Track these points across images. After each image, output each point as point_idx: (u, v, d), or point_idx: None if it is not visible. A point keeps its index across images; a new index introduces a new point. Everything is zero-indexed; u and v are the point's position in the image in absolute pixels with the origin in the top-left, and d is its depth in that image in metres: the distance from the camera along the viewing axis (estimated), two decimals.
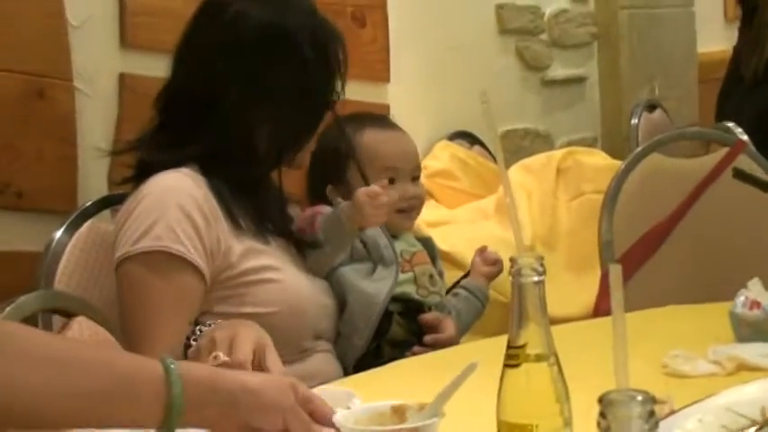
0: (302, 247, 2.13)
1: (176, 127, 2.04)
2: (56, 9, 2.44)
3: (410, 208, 2.30)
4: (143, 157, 2.04)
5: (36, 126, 2.39)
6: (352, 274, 2.18)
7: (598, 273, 2.68)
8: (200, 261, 1.90)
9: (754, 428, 1.23)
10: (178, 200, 1.91)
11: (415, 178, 2.33)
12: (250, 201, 2.04)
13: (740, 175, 2.09)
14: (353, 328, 2.13)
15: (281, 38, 2.03)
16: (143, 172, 2.00)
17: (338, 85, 2.11)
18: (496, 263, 2.40)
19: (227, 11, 2.05)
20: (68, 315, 1.64)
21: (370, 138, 2.29)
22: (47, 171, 2.38)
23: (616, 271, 0.76)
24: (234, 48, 2.03)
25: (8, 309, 1.48)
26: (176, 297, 1.87)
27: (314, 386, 1.65)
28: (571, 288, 2.96)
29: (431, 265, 2.30)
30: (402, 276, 2.21)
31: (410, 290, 2.22)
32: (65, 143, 2.39)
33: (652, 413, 0.76)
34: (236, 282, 1.95)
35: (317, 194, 2.31)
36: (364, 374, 1.80)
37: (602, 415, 0.76)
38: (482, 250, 2.43)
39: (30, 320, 1.71)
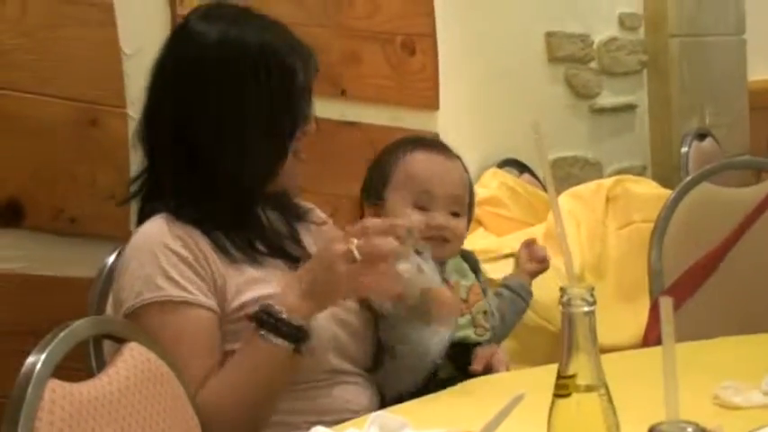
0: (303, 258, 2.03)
1: (157, 169, 2.03)
2: (110, 38, 2.47)
3: (439, 238, 2.12)
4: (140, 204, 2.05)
5: (90, 153, 2.42)
6: (403, 321, 2.03)
7: (647, 302, 2.67)
8: (203, 299, 1.88)
9: None
10: (165, 243, 1.90)
11: (456, 213, 2.15)
12: (233, 228, 1.97)
13: None
14: (398, 379, 2.03)
15: (240, 57, 1.97)
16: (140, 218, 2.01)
17: (305, 106, 2.02)
18: (543, 261, 2.33)
19: (186, 30, 2.03)
20: (120, 341, 1.65)
21: (413, 158, 2.16)
22: (100, 197, 2.41)
23: (667, 303, 0.76)
24: (193, 71, 1.99)
25: (62, 334, 1.49)
26: (191, 336, 1.85)
27: (343, 419, 1.69)
28: (620, 317, 2.95)
29: (483, 298, 2.18)
30: (460, 320, 2.09)
31: (468, 333, 2.11)
32: (118, 170, 2.41)
33: None
34: (239, 315, 1.90)
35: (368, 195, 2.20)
36: (412, 403, 1.80)
37: None
38: (529, 243, 2.37)
39: (82, 346, 1.74)
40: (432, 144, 2.26)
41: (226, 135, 1.96)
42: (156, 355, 1.66)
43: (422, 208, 2.12)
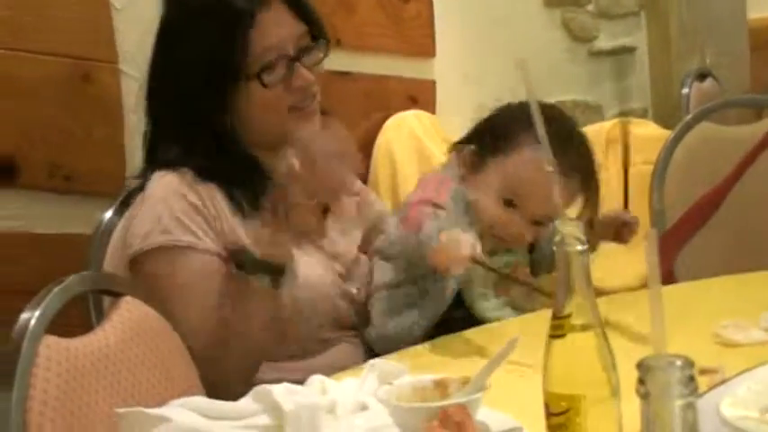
0: (312, 229, 2.03)
1: (158, 125, 2.01)
2: None
3: (505, 240, 2.04)
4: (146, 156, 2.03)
5: (83, 109, 2.41)
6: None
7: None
8: (212, 245, 1.87)
9: None
10: (176, 190, 1.89)
11: (537, 222, 2.04)
12: (240, 183, 1.95)
13: None
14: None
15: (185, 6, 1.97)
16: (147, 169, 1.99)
17: (250, 47, 1.91)
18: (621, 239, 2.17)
19: None
20: (117, 296, 1.65)
21: (524, 159, 2.01)
22: (95, 154, 2.40)
23: (652, 236, 0.75)
24: (164, 24, 1.99)
25: (56, 290, 1.49)
26: (196, 282, 1.85)
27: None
28: (623, 259, 2.92)
29: (532, 278, 2.07)
30: (493, 302, 2.03)
31: (503, 314, 2.01)
32: (112, 126, 2.41)
33: (692, 378, 0.74)
34: None
35: (465, 140, 2.12)
36: (409, 350, 1.79)
37: (641, 381, 0.75)
38: (628, 222, 2.17)
39: (80, 301, 1.73)
40: (559, 149, 1.99)
41: (180, 85, 1.95)
42: (153, 308, 1.66)
43: (509, 203, 2.03)
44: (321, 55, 2.00)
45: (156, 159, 1.98)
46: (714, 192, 2.64)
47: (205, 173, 1.92)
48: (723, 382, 1.42)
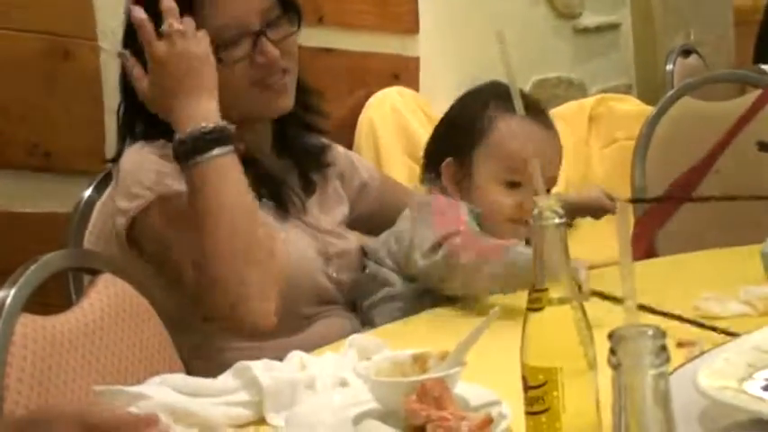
0: (295, 205, 2.00)
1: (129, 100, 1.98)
2: None
3: (523, 220, 1.92)
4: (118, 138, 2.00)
5: (62, 87, 2.40)
6: None
7: (633, 219, 2.66)
8: None
9: None
10: (155, 153, 1.87)
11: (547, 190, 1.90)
12: None
13: (766, 147, 2.04)
14: None
15: None
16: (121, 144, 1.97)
17: (206, 23, 1.85)
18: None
19: None
20: (96, 273, 1.64)
21: (512, 126, 1.96)
22: (74, 131, 2.39)
23: (623, 208, 0.74)
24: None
25: (33, 267, 1.48)
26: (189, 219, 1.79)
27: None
28: (606, 234, 2.93)
29: None
30: None
31: None
32: (91, 103, 2.40)
33: (663, 348, 0.74)
34: None
35: (433, 161, 2.06)
36: (389, 326, 1.79)
37: (613, 351, 0.75)
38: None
39: (59, 278, 1.72)
40: (537, 112, 2.01)
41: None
42: (132, 285, 1.65)
43: (511, 185, 1.97)
44: (293, 28, 1.95)
45: (128, 134, 1.96)
46: (696, 167, 2.64)
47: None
48: (701, 354, 1.43)
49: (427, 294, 1.91)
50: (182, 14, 1.82)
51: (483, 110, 2.00)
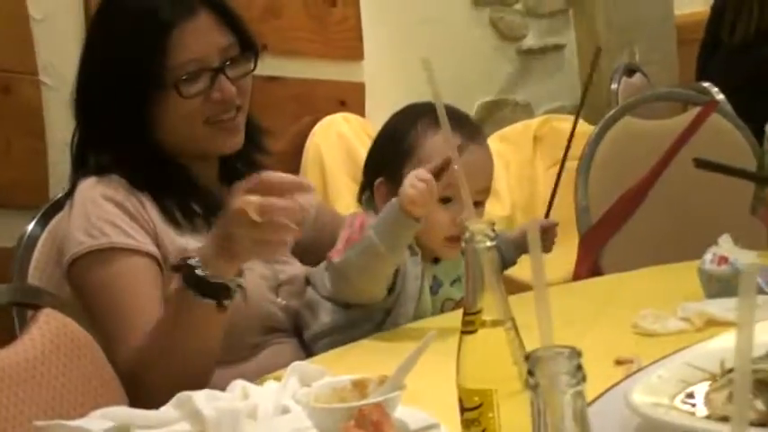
0: None
1: (85, 132, 1.99)
2: (17, 2, 2.43)
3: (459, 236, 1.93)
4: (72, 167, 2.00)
5: (3, 121, 2.39)
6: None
7: (576, 239, 2.69)
8: (150, 247, 1.85)
9: (709, 382, 1.23)
10: (106, 194, 1.87)
11: (478, 203, 1.98)
12: (169, 194, 1.93)
13: (702, 164, 2.07)
14: None
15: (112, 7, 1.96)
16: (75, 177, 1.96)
17: (169, 57, 1.87)
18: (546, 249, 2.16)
19: None
20: (38, 308, 1.64)
21: (438, 141, 1.94)
22: (17, 166, 2.38)
23: (533, 227, 0.76)
24: (91, 29, 1.98)
25: None
26: (137, 282, 1.82)
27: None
28: (552, 254, 2.96)
29: None
30: None
31: None
32: (33, 137, 2.39)
33: (579, 367, 0.76)
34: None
35: (368, 180, 2.05)
36: (329, 354, 1.79)
37: (530, 372, 0.76)
38: (547, 229, 2.18)
39: (3, 312, 1.72)
40: (461, 124, 1.98)
41: (103, 91, 1.93)
42: (74, 320, 1.65)
43: (444, 200, 1.94)
44: (250, 66, 1.97)
45: (83, 166, 1.96)
46: (638, 185, 2.67)
47: (135, 181, 1.91)
48: (638, 370, 1.44)
49: (363, 322, 1.92)
50: (147, 42, 1.86)
51: (411, 127, 1.99)
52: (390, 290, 1.92)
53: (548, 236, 2.18)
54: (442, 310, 2.00)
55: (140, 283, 1.83)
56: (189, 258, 1.68)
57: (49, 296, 1.68)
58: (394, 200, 1.84)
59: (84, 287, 1.84)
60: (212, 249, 1.68)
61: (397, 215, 1.83)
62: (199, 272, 1.67)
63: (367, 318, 1.93)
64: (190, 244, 1.88)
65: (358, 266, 1.88)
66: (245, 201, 1.60)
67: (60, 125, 2.48)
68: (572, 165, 2.91)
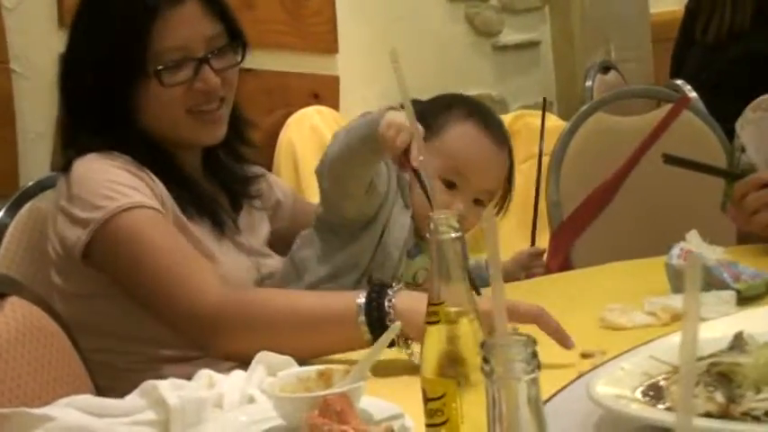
0: (229, 226, 2.00)
1: (73, 114, 1.97)
2: None
3: None
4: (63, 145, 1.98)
5: None
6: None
7: (548, 233, 2.70)
8: (167, 215, 1.84)
9: (665, 375, 1.24)
10: (119, 165, 1.85)
11: (477, 201, 2.03)
12: (162, 179, 1.91)
13: (670, 159, 2.09)
14: None
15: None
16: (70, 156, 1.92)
17: (153, 44, 1.87)
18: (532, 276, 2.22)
19: None
20: (3, 296, 1.63)
21: (465, 131, 2.01)
22: None
23: (489, 217, 0.76)
24: (78, 13, 1.95)
25: None
26: (174, 232, 1.80)
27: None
28: (523, 249, 2.97)
29: None
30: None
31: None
32: (3, 126, 2.38)
33: (534, 355, 0.76)
34: None
35: None
36: None
37: (485, 360, 0.76)
38: (534, 256, 2.26)
39: None
40: (489, 122, 2.07)
41: (88, 76, 1.92)
42: (41, 308, 1.64)
43: (449, 183, 2.00)
44: (236, 58, 1.97)
45: (74, 146, 1.93)
46: (609, 181, 2.68)
47: (137, 159, 1.89)
48: (603, 363, 1.45)
49: (350, 269, 1.95)
50: (131, 28, 1.85)
51: (444, 110, 2.03)
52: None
53: (536, 263, 2.24)
54: (414, 279, 2.01)
55: (181, 238, 1.81)
56: (386, 290, 1.62)
57: (17, 284, 1.67)
58: (376, 115, 1.83)
59: (120, 245, 1.79)
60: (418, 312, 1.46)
61: (375, 123, 1.80)
62: (388, 308, 1.61)
63: (353, 264, 1.95)
64: (194, 230, 1.89)
65: (332, 159, 1.89)
66: None
67: (31, 114, 2.48)
68: (546, 159, 2.91)
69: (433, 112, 2.04)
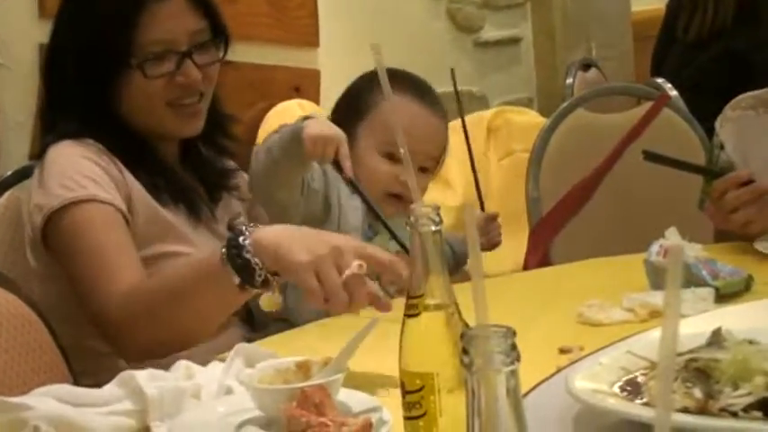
0: (205, 213, 2.01)
1: (55, 102, 1.98)
2: None
3: (400, 195, 2.02)
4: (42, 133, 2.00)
5: None
6: None
7: (527, 230, 2.71)
8: (123, 208, 1.85)
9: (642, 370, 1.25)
10: (86, 155, 1.87)
11: (424, 169, 2.09)
12: (138, 167, 1.93)
13: (650, 156, 2.10)
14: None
15: None
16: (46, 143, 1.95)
17: (138, 36, 1.89)
18: (494, 243, 2.23)
19: None
20: None
21: (396, 102, 1.88)
22: None
23: (469, 210, 0.76)
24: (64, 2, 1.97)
25: None
26: (116, 232, 1.82)
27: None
28: (502, 245, 2.97)
29: None
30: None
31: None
32: None
33: (513, 347, 0.76)
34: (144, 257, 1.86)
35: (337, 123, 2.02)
36: (275, 337, 1.79)
37: (465, 351, 0.77)
38: (489, 220, 2.25)
39: None
40: (420, 90, 2.13)
41: (72, 65, 1.93)
42: (18, 296, 1.64)
43: (391, 157, 2.04)
44: (219, 54, 1.98)
45: (51, 132, 1.95)
46: (589, 178, 2.68)
47: (109, 147, 1.91)
48: (582, 358, 1.46)
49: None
50: (115, 19, 1.87)
51: (370, 88, 2.06)
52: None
53: (492, 227, 2.23)
54: None
55: (120, 231, 1.82)
56: (243, 228, 1.63)
57: None
58: (302, 124, 1.88)
59: (64, 236, 1.83)
60: (275, 242, 1.59)
61: (296, 138, 1.86)
62: (246, 246, 1.60)
63: None
64: (167, 216, 1.91)
65: (259, 178, 1.96)
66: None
67: (11, 104, 2.47)
68: (525, 156, 2.92)
69: (366, 89, 2.09)
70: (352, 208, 2.04)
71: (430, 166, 2.12)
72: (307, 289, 1.55)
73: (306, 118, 1.93)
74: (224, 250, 1.60)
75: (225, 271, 1.60)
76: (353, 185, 1.86)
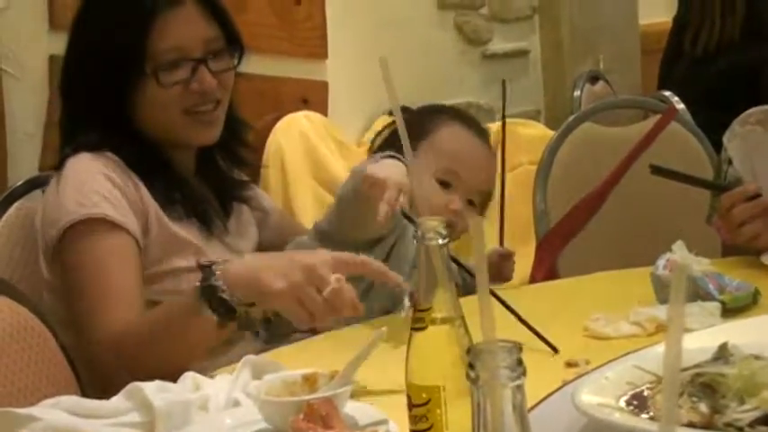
0: (218, 225, 2.02)
1: (73, 111, 2.00)
2: None
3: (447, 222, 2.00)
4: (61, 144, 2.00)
5: None
6: None
7: (534, 243, 2.70)
8: (136, 231, 1.86)
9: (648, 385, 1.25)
10: (104, 172, 1.88)
11: (470, 202, 2.13)
12: (153, 178, 1.94)
13: (657, 170, 2.10)
14: None
15: None
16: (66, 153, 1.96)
17: (151, 44, 1.90)
18: (505, 279, 2.23)
19: None
20: None
21: (459, 132, 2.16)
22: None
23: (477, 223, 0.76)
24: (79, 11, 1.99)
25: None
26: (124, 261, 1.82)
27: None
28: (494, 247, 2.97)
29: None
30: None
31: None
32: None
33: (519, 362, 0.77)
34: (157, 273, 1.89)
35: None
36: (283, 349, 1.80)
37: (471, 366, 0.77)
38: (505, 257, 2.24)
39: None
40: (478, 129, 2.22)
41: (87, 74, 1.95)
42: (28, 308, 1.64)
43: (443, 183, 2.09)
44: (233, 62, 1.99)
45: (70, 143, 1.96)
46: (596, 191, 2.68)
47: (127, 161, 1.92)
48: (588, 372, 1.46)
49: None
50: (130, 28, 1.88)
51: (432, 114, 2.16)
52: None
53: (506, 264, 2.23)
54: None
55: (126, 263, 1.83)
56: (213, 266, 1.65)
57: (3, 284, 1.68)
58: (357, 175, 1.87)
59: (72, 255, 1.84)
60: (247, 275, 1.64)
61: (357, 191, 1.86)
62: (219, 285, 1.63)
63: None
64: (180, 232, 1.91)
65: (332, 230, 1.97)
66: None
67: (21, 114, 2.48)
68: (532, 168, 2.92)
69: (420, 118, 2.13)
70: (410, 237, 2.00)
71: (477, 201, 2.15)
72: (291, 315, 1.58)
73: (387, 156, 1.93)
74: (199, 292, 1.63)
75: (201, 307, 1.63)
76: (409, 219, 1.85)
